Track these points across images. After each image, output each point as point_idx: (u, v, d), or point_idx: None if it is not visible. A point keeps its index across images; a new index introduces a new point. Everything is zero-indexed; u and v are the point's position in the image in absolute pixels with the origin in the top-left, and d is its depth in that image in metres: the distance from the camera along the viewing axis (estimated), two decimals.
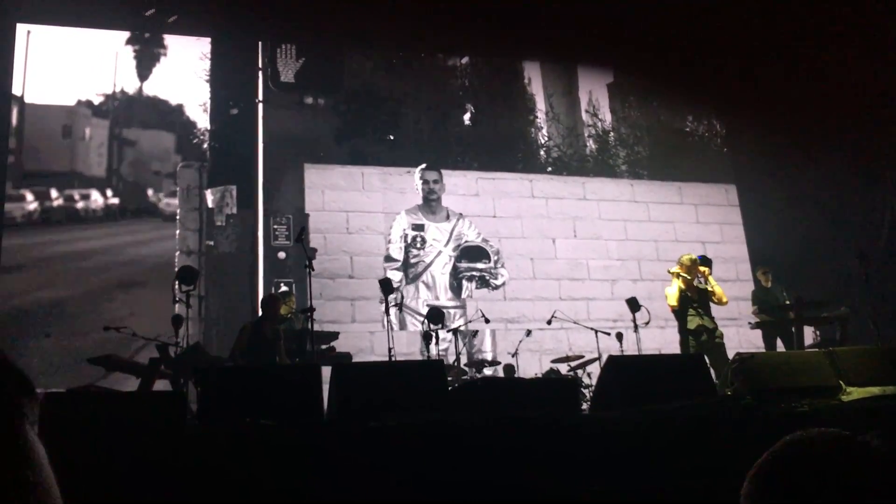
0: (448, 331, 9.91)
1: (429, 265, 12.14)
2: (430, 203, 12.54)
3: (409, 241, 12.20)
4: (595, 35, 11.95)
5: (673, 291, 9.08)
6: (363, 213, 12.28)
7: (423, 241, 12.25)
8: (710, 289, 9.10)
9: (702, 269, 9.18)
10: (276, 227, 11.66)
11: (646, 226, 13.27)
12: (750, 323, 10.55)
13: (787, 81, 11.88)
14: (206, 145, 12.25)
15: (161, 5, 10.68)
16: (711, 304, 9.09)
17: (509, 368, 10.19)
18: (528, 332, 10.55)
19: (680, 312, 9.04)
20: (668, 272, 9.19)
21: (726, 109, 13.95)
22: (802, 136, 12.18)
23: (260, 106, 12.32)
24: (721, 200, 13.80)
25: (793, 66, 11.71)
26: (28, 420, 0.86)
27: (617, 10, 10.97)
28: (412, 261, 12.10)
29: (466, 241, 12.41)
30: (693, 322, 8.83)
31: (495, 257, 12.43)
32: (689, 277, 9.02)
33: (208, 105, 12.33)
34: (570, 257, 12.82)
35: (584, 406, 8.24)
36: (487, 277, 12.28)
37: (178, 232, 11.50)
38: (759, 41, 11.49)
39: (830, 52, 11.02)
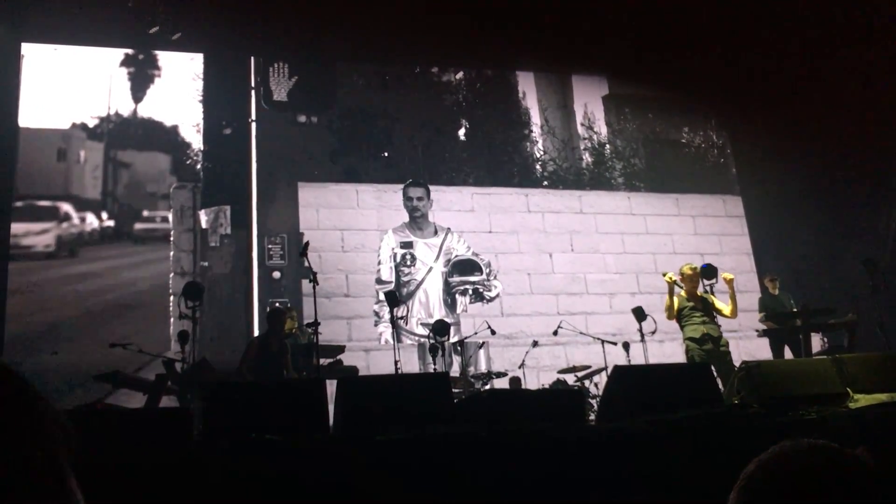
0: (454, 343, 9.86)
1: (420, 282, 12.06)
2: (416, 220, 12.49)
3: (398, 259, 12.10)
4: (591, 44, 11.93)
5: (670, 304, 9.04)
6: (358, 230, 12.23)
7: (413, 258, 12.17)
8: (711, 300, 9.07)
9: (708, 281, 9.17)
10: (270, 246, 11.57)
11: (643, 238, 13.25)
12: (757, 330, 10.53)
13: (792, 89, 11.91)
14: (199, 166, 12.18)
15: (160, 21, 10.63)
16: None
17: (515, 381, 10.14)
18: (535, 343, 10.49)
19: (682, 321, 9.02)
20: (663, 275, 9.14)
21: (730, 117, 13.96)
22: (808, 143, 12.21)
23: (253, 125, 12.29)
24: (719, 211, 13.81)
25: (797, 73, 11.73)
26: (72, 474, 0.83)
27: (613, 17, 10.97)
28: (404, 279, 12.01)
29: (457, 256, 12.36)
30: (698, 330, 8.80)
31: (487, 269, 12.38)
32: (689, 287, 9.00)
33: (201, 125, 12.29)
34: (567, 272, 12.80)
35: (591, 417, 8.20)
36: (481, 290, 12.22)
37: (171, 253, 11.40)
38: (764, 48, 11.52)
39: (835, 57, 11.05)
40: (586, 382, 9.99)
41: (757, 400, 6.92)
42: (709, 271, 9.08)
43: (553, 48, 12.37)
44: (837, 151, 12.10)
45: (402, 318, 8.26)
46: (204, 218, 11.60)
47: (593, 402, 9.21)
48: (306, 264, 7.99)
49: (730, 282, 8.91)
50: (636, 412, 6.51)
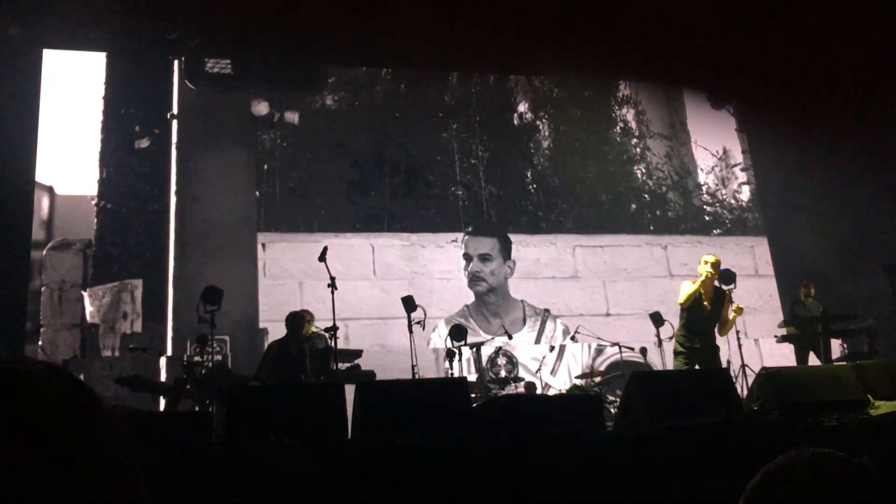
0: (471, 346, 9.82)
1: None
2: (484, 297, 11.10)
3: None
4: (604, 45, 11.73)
5: (692, 293, 8.51)
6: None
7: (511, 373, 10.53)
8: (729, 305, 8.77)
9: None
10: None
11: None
12: (776, 336, 10.45)
13: (816, 93, 11.79)
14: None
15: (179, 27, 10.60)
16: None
17: (531, 386, 10.13)
18: (552, 348, 10.49)
19: (686, 319, 8.66)
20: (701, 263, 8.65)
21: (750, 122, 13.85)
22: (827, 148, 12.10)
23: (174, 128, 11.49)
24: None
25: (817, 78, 11.61)
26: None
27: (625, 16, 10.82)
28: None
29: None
30: (696, 341, 8.55)
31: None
32: (705, 290, 8.57)
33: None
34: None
35: (609, 422, 8.17)
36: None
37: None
38: (787, 52, 11.40)
39: (855, 61, 10.95)
40: (604, 388, 9.98)
41: (776, 406, 6.87)
42: (727, 276, 8.79)
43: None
44: (857, 156, 12.00)
45: (418, 322, 8.25)
46: (92, 306, 10.92)
47: (611, 407, 9.18)
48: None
49: (738, 311, 8.52)
50: (655, 418, 6.50)
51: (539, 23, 10.71)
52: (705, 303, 8.59)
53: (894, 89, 10.97)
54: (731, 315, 8.53)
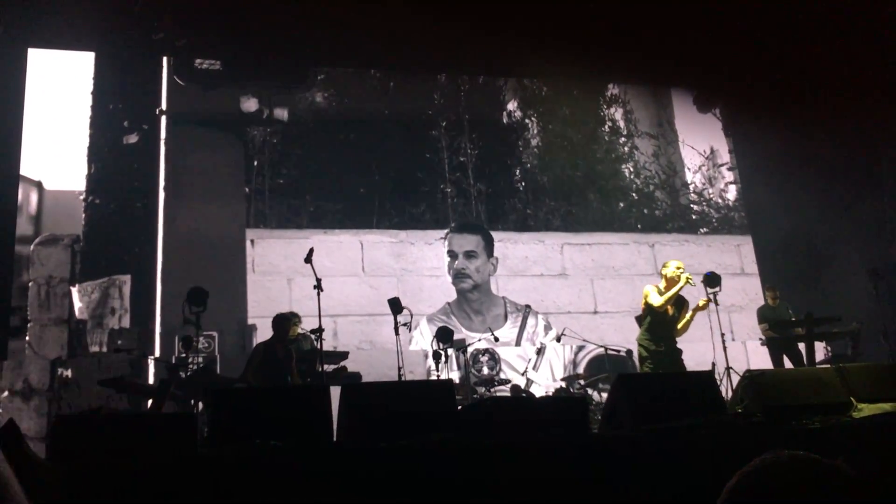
0: (457, 349, 9.82)
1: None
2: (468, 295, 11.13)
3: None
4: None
5: (668, 299, 8.48)
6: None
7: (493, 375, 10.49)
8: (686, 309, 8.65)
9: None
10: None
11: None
12: (760, 339, 10.49)
13: (801, 97, 11.81)
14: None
15: (165, 27, 10.55)
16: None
17: (516, 388, 10.13)
18: (538, 350, 10.50)
19: (651, 322, 8.62)
20: (662, 274, 8.69)
21: (735, 125, 13.90)
22: (812, 149, 12.14)
23: (162, 125, 11.53)
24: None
25: (800, 78, 11.63)
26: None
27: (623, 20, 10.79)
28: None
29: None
30: (661, 344, 8.56)
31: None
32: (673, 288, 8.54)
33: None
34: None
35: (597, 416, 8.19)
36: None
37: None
38: (769, 60, 11.41)
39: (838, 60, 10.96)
40: (589, 390, 9.98)
41: (760, 409, 6.89)
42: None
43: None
44: (841, 159, 12.05)
45: (405, 324, 8.24)
46: (81, 302, 10.91)
47: (596, 409, 9.18)
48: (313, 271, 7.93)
49: (703, 306, 8.53)
50: (640, 420, 6.51)
51: (527, 26, 10.70)
52: (669, 307, 8.60)
53: (878, 92, 11.01)
54: (689, 314, 8.57)
